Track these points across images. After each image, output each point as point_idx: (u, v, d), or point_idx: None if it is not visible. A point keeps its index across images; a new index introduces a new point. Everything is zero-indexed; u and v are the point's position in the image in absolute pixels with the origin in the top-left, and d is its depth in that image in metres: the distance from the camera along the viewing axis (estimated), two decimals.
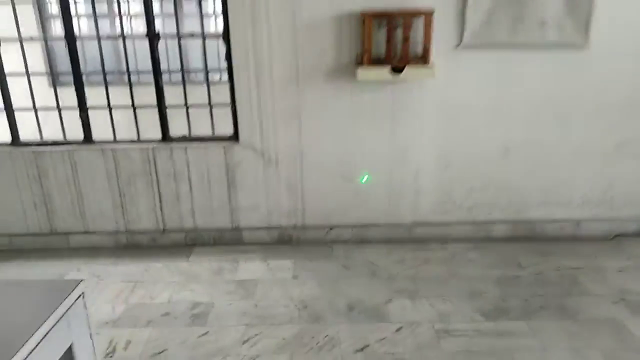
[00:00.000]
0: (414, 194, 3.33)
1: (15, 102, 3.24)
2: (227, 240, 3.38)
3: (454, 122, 3.18)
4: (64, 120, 3.28)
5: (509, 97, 3.14)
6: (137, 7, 5.19)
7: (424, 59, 2.86)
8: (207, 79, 3.26)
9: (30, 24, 4.83)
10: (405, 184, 3.31)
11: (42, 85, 4.40)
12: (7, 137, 3.26)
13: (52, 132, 3.33)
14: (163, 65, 3.27)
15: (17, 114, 3.25)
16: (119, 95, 3.29)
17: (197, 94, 3.32)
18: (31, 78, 3.19)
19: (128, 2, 5.19)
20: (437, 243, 3.35)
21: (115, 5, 4.88)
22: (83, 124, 3.25)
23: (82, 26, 5.37)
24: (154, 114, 3.20)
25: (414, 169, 3.28)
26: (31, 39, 3.35)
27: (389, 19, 2.77)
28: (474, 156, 3.26)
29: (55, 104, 3.24)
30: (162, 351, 2.31)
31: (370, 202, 3.34)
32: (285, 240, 3.39)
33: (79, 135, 3.25)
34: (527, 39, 2.98)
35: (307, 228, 3.38)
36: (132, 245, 3.37)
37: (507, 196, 3.37)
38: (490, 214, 3.40)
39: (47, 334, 1.09)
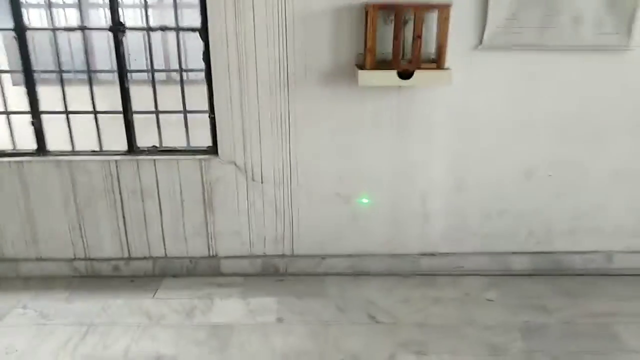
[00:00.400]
0: (421, 219, 2.85)
1: None
2: (203, 271, 2.90)
3: (470, 136, 2.69)
4: (20, 125, 2.78)
5: (535, 108, 2.65)
6: None
7: (438, 61, 2.36)
8: (181, 80, 2.77)
9: None
10: (412, 208, 2.82)
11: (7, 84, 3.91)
12: None
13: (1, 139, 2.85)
14: (140, 62, 2.79)
15: None
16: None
17: (179, 96, 2.81)
18: None
19: None
20: (447, 277, 2.87)
21: None
22: (35, 131, 2.77)
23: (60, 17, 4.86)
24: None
25: (422, 190, 2.79)
26: None
27: (397, 12, 2.27)
28: (492, 176, 2.78)
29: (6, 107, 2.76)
30: None
31: (370, 228, 2.86)
32: (270, 272, 2.91)
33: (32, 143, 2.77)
34: (559, 40, 2.49)
35: (297, 257, 2.90)
36: (92, 275, 2.89)
37: (529, 223, 2.88)
38: (509, 243, 2.92)
39: None
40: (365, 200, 2.81)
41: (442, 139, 2.69)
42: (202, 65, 2.60)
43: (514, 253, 2.93)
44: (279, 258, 2.90)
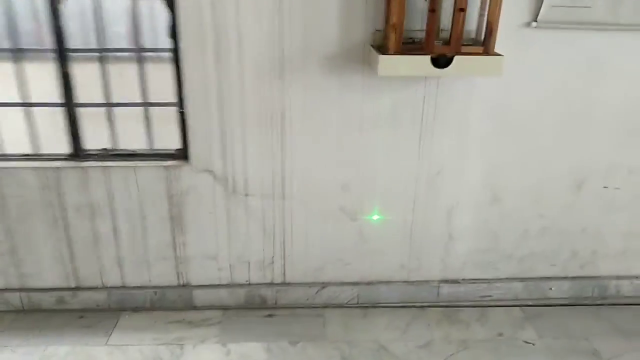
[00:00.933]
0: (445, 238, 2.31)
1: None
2: (171, 303, 2.32)
3: (511, 138, 2.14)
4: None
5: (596, 104, 2.11)
6: None
7: (486, 43, 1.77)
8: (141, 64, 2.13)
9: None
10: (434, 225, 2.28)
11: None
12: None
13: None
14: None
15: None
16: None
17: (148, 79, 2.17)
18: None
19: None
20: (473, 310, 2.35)
21: None
22: None
23: None
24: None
25: (447, 204, 2.25)
26: None
27: None
28: (534, 187, 2.25)
29: None
30: None
31: (381, 249, 2.31)
32: (255, 304, 2.34)
33: None
34: (636, 17, 1.93)
35: (289, 286, 2.34)
36: (32, 310, 2.29)
37: (573, 243, 2.38)
38: (547, 267, 2.42)
39: None
40: (376, 217, 2.25)
41: (477, 140, 2.13)
42: (169, 43, 1.97)
43: (551, 278, 2.43)
44: (266, 287, 2.34)
